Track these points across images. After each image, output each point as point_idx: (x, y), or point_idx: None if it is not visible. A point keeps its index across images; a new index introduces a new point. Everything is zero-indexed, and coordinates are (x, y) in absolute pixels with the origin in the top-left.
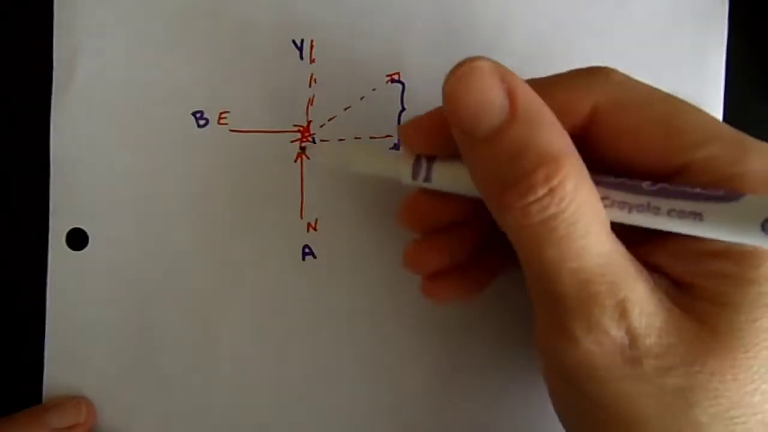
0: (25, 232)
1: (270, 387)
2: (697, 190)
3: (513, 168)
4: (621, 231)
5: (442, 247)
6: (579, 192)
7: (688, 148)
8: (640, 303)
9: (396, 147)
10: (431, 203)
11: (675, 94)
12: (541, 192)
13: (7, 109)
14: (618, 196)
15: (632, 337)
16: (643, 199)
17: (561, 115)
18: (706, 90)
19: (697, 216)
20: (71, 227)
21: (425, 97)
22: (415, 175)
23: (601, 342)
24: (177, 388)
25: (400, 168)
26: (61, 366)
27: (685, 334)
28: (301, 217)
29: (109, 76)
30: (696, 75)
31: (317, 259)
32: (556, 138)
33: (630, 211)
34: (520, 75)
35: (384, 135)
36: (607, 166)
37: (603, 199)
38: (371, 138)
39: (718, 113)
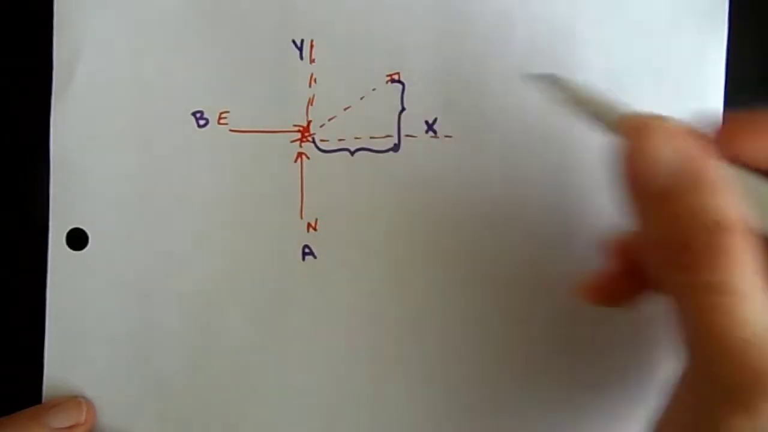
0: (25, 232)
1: (269, 387)
2: None
3: (686, 230)
4: None
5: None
6: (748, 262)
7: None
8: None
9: (395, 148)
10: (614, 283)
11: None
12: (714, 260)
13: (7, 109)
14: None
15: None
16: None
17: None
18: (706, 90)
19: None
20: (71, 227)
21: (425, 97)
22: None
23: None
24: (177, 388)
25: None
26: (61, 366)
27: None
28: (301, 217)
29: (109, 76)
30: (696, 75)
31: (317, 259)
32: (731, 206)
33: None
34: (520, 75)
35: (384, 135)
36: None
37: None
38: (371, 138)
39: (718, 113)
